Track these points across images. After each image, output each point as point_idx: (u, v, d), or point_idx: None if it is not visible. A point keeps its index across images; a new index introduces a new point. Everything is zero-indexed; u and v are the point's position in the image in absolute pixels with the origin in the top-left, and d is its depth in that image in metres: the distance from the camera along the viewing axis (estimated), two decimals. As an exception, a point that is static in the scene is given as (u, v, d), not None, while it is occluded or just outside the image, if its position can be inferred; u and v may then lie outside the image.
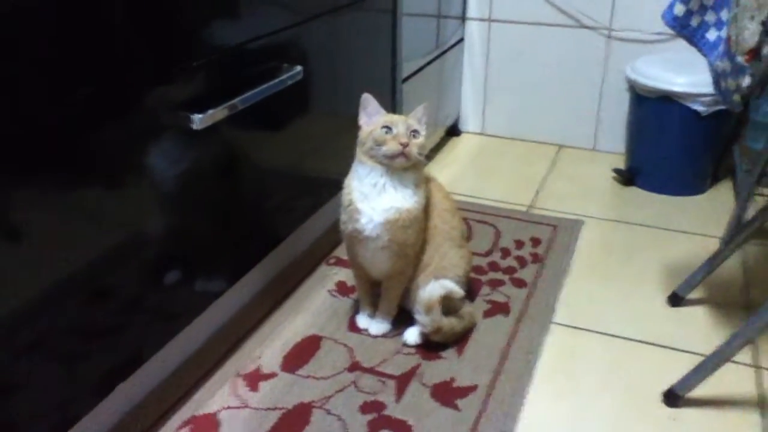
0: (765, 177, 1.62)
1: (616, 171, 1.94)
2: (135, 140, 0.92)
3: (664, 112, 1.78)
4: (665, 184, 1.87)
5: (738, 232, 1.37)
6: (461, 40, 2.16)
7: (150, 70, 0.91)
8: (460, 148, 2.18)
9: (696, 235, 1.66)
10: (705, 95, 1.71)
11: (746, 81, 0.99)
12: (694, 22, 1.08)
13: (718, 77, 1.05)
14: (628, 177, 1.91)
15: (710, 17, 1.07)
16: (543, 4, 2.03)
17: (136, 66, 0.88)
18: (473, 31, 2.15)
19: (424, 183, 1.17)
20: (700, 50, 1.10)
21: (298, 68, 1.19)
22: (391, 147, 1.11)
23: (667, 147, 1.83)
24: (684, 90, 1.72)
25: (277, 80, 1.13)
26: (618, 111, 2.04)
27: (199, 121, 0.95)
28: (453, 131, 2.25)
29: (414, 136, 1.13)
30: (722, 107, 1.74)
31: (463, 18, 2.13)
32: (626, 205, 1.82)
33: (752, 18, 0.93)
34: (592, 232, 1.66)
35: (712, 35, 1.08)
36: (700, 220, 1.73)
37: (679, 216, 1.75)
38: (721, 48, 1.03)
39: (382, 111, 1.17)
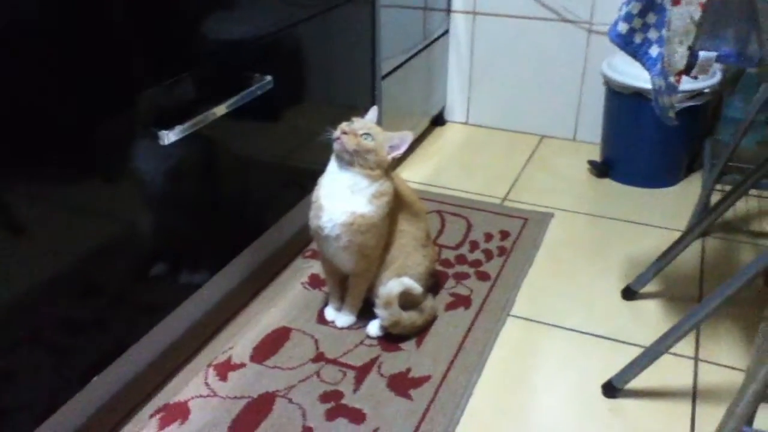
0: (727, 173, 1.69)
1: (591, 163, 2.01)
2: (118, 147, 1.01)
3: (636, 108, 1.84)
4: (638, 176, 1.93)
5: (693, 227, 1.44)
6: (446, 32, 2.21)
7: (124, 88, 0.99)
8: (444, 138, 2.24)
9: (663, 228, 1.73)
10: (674, 93, 1.76)
11: (677, 99, 1.05)
12: (638, 38, 1.14)
13: (656, 93, 1.11)
14: (602, 169, 1.98)
15: (653, 34, 1.13)
16: (525, -3, 2.08)
17: (111, 83, 0.96)
18: (458, 23, 2.21)
19: (383, 196, 1.23)
20: (644, 65, 1.16)
21: (268, 78, 1.26)
22: (336, 132, 1.21)
23: (640, 141, 1.89)
24: (655, 87, 1.77)
25: (245, 92, 1.20)
26: (598, 103, 2.09)
27: (166, 137, 1.03)
28: (438, 121, 2.31)
29: (364, 138, 1.20)
30: (693, 103, 1.80)
31: (448, 10, 2.19)
32: (598, 197, 1.88)
33: (681, 42, 0.99)
34: (561, 226, 1.74)
35: (654, 51, 1.13)
36: (669, 213, 1.80)
37: (649, 209, 1.82)
38: (659, 66, 1.09)
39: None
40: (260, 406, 1.15)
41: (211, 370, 1.23)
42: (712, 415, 1.17)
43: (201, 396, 1.17)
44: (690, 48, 0.99)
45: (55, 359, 0.98)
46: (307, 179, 1.35)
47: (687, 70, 1.01)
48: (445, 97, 2.32)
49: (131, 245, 1.08)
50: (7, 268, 0.87)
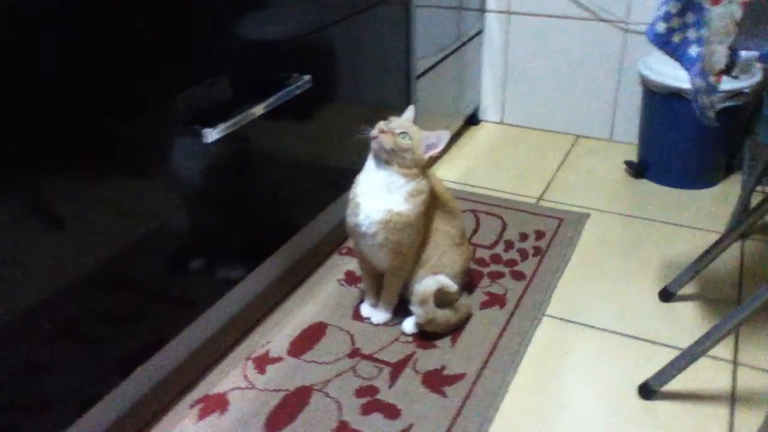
0: (767, 174, 1.66)
1: (627, 163, 1.99)
2: (159, 145, 1.04)
3: (674, 108, 1.82)
4: (675, 177, 1.91)
5: (732, 229, 1.42)
6: (481, 31, 2.21)
7: (166, 88, 1.02)
8: (477, 137, 2.25)
9: (701, 230, 1.71)
10: (713, 93, 1.74)
11: (717, 98, 1.05)
12: (676, 38, 1.13)
13: (695, 93, 1.11)
14: (638, 170, 1.96)
15: (692, 34, 1.12)
16: (561, -3, 2.08)
17: (153, 83, 0.99)
18: (492, 23, 2.21)
19: (420, 195, 1.24)
20: (682, 65, 1.15)
21: (307, 77, 1.28)
22: (373, 131, 1.22)
23: (677, 142, 1.87)
24: (693, 87, 1.76)
25: (285, 90, 1.23)
26: (634, 102, 2.08)
27: (209, 135, 1.06)
28: (472, 120, 2.32)
29: (402, 137, 1.21)
30: (732, 103, 1.77)
31: (482, 10, 2.19)
32: (634, 198, 1.87)
33: (720, 42, 0.99)
34: (597, 226, 1.73)
35: (693, 51, 1.13)
36: (707, 214, 1.78)
37: (686, 210, 1.80)
38: (698, 66, 1.08)
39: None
40: (297, 399, 1.17)
41: (249, 363, 1.25)
42: (750, 420, 1.15)
43: (240, 388, 1.20)
44: (730, 47, 0.98)
45: (99, 351, 1.01)
46: (342, 177, 1.37)
47: (728, 70, 1.00)
48: (479, 96, 2.32)
49: (170, 241, 1.11)
50: (52, 263, 0.90)
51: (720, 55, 0.99)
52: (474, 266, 1.53)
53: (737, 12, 0.94)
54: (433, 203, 1.31)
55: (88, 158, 0.92)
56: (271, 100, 1.19)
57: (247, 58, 1.18)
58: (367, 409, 1.15)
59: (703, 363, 1.23)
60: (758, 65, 1.79)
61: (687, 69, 1.14)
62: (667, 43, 1.14)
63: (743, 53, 0.97)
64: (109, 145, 0.94)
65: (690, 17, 1.10)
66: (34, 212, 0.86)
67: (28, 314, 0.88)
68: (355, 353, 1.28)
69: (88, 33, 0.87)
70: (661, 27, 1.13)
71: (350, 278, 1.51)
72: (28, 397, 0.91)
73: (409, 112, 1.29)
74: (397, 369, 1.24)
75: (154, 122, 1.01)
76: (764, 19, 0.96)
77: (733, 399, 1.20)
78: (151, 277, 1.08)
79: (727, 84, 1.70)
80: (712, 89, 1.04)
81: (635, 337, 1.35)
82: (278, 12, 1.24)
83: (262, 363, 1.26)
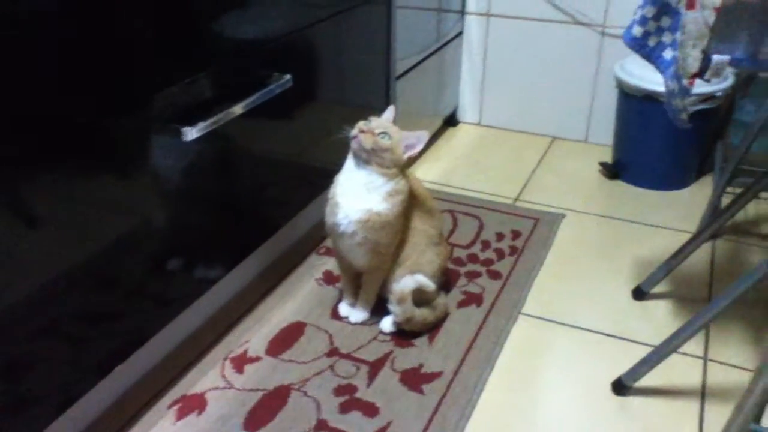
0: (737, 176, 1.70)
1: (602, 165, 2.02)
2: (137, 143, 1.03)
3: (648, 111, 1.85)
4: (649, 178, 1.95)
5: (703, 229, 1.45)
6: (460, 33, 2.23)
7: (145, 86, 1.02)
8: (456, 138, 2.26)
9: (673, 230, 1.75)
10: (687, 96, 1.77)
11: (690, 101, 1.07)
12: (652, 42, 1.15)
13: (669, 95, 1.13)
14: (613, 171, 1.99)
15: (667, 38, 1.14)
16: (539, 0, 2.10)
17: (132, 81, 0.99)
18: (472, 25, 2.23)
19: (398, 195, 1.25)
20: (657, 68, 1.17)
21: (287, 77, 1.28)
22: (353, 131, 1.23)
23: (651, 144, 1.91)
24: (667, 90, 1.79)
25: (264, 90, 1.23)
26: (610, 105, 2.11)
27: (188, 133, 1.06)
28: (451, 121, 2.33)
29: (381, 137, 1.22)
30: (705, 106, 1.81)
31: (462, 12, 2.21)
32: (609, 199, 1.90)
33: (694, 46, 1.01)
34: (572, 226, 1.75)
35: (668, 54, 1.15)
36: (680, 215, 1.81)
37: (660, 211, 1.83)
38: (672, 69, 1.11)
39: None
40: (275, 398, 1.17)
41: (227, 363, 1.25)
42: (720, 414, 1.18)
43: (218, 388, 1.20)
44: (703, 51, 1.00)
45: (77, 350, 1.00)
46: (321, 177, 1.37)
47: (700, 73, 1.02)
48: (457, 97, 2.34)
49: (149, 240, 1.10)
50: (28, 262, 0.89)
51: (693, 58, 1.01)
52: (451, 265, 1.55)
53: (710, 17, 0.96)
54: (412, 203, 1.32)
55: (65, 157, 0.91)
56: (251, 99, 1.19)
57: (227, 57, 1.18)
58: (345, 408, 1.16)
59: (674, 359, 1.26)
60: (729, 69, 1.83)
61: (662, 72, 1.16)
62: (643, 46, 1.16)
63: (715, 57, 0.99)
64: (86, 143, 0.94)
65: (665, 21, 1.12)
66: (10, 210, 0.85)
67: (5, 313, 0.87)
68: (333, 352, 1.29)
69: (66, 30, 0.86)
70: (637, 31, 1.15)
71: (328, 278, 1.51)
72: (6, 396, 0.90)
73: (389, 112, 1.30)
74: (375, 367, 1.25)
75: (132, 120, 1.01)
76: (735, 23, 0.99)
77: (703, 394, 1.23)
78: (129, 276, 1.08)
79: (699, 87, 1.73)
80: (685, 92, 1.06)
81: (609, 335, 1.37)
82: (259, 11, 1.24)
83: (240, 363, 1.26)
